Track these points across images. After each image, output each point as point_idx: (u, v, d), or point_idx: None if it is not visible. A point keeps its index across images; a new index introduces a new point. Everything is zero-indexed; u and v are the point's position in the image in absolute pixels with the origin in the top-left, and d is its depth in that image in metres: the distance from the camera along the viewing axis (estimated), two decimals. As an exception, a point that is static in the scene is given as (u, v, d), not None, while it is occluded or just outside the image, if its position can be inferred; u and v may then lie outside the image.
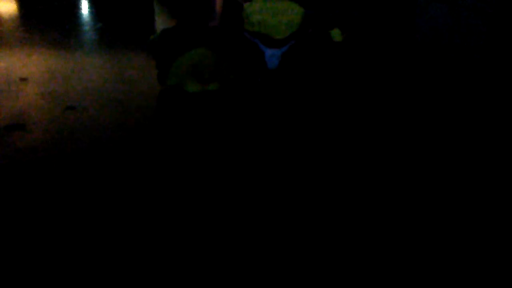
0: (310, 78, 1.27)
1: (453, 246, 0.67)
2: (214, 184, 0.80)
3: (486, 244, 0.68)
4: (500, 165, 0.91)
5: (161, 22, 1.96)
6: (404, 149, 0.96)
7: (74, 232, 0.65)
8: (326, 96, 1.22)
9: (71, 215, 0.69)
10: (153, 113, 1.07)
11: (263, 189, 0.79)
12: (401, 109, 1.17)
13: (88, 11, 2.06)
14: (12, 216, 0.69)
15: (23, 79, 1.21)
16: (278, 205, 0.75)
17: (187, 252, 0.62)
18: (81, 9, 2.11)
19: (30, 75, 1.25)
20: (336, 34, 1.23)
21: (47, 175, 0.80)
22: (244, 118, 1.08)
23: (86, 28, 1.78)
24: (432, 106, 1.19)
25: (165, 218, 0.70)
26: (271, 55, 1.20)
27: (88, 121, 1.01)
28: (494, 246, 0.67)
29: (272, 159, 0.89)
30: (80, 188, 0.76)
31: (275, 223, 0.70)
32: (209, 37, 1.16)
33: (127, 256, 0.61)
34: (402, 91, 1.28)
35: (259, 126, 1.04)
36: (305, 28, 1.23)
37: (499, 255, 0.66)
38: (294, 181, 0.82)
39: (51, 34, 1.64)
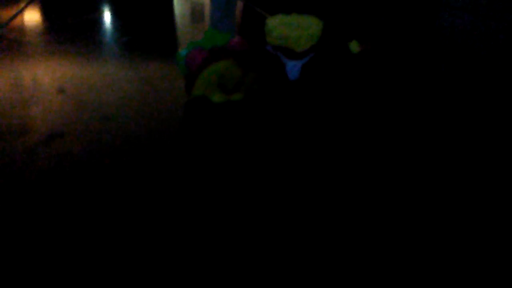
0: (328, 88, 1.33)
1: (453, 246, 0.71)
2: (234, 190, 0.85)
3: (486, 244, 0.71)
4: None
5: (184, 34, 2.04)
6: (422, 161, 1.00)
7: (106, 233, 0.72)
8: (344, 104, 1.27)
9: (107, 218, 0.76)
10: (181, 122, 1.14)
11: (282, 195, 0.84)
12: (420, 120, 1.21)
13: (116, 25, 2.16)
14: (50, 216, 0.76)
15: (60, 90, 1.30)
16: (291, 210, 0.80)
17: (196, 252, 0.68)
18: (109, 23, 2.20)
19: (66, 86, 1.33)
20: (354, 46, 1.28)
21: (85, 179, 0.87)
22: (267, 126, 1.13)
23: (115, 40, 1.87)
24: (450, 120, 1.23)
25: (183, 222, 0.76)
26: (292, 67, 1.26)
27: (122, 131, 1.08)
28: (494, 246, 0.71)
29: (291, 166, 0.95)
30: (116, 191, 0.83)
31: (285, 227, 0.75)
32: (234, 50, 1.23)
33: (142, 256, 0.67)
34: (421, 102, 1.32)
35: (280, 133, 1.09)
36: (324, 41, 1.28)
37: (499, 255, 0.69)
38: (313, 190, 0.87)
39: (82, 47, 1.74)
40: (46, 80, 1.38)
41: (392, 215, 0.79)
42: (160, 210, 0.79)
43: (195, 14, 2.43)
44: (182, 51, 1.25)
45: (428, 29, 2.03)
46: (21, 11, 2.45)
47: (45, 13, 2.41)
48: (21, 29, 2.02)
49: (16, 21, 2.17)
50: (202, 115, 1.19)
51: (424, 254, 0.69)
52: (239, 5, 2.25)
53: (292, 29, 1.24)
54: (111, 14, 2.37)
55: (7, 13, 2.34)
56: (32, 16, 2.34)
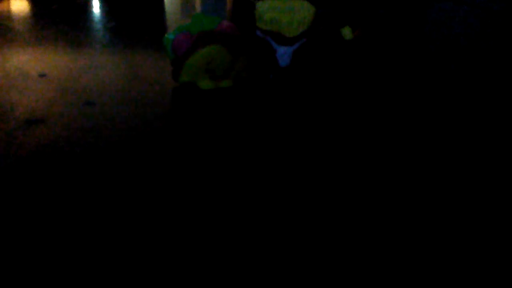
0: (320, 75, 1.30)
1: (453, 246, 0.69)
2: (223, 181, 0.82)
3: (486, 244, 0.69)
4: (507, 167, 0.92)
5: (173, 21, 1.99)
6: (412, 148, 0.98)
7: (83, 226, 0.68)
8: (335, 92, 1.24)
9: (85, 208, 0.72)
10: (168, 109, 1.10)
11: (272, 187, 0.81)
12: (410, 107, 1.18)
13: (102, 10, 2.10)
14: (29, 207, 0.72)
15: (42, 75, 1.25)
16: (283, 204, 0.77)
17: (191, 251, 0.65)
18: (95, 8, 2.14)
19: (48, 71, 1.28)
20: (346, 32, 1.25)
21: (67, 166, 0.83)
22: (256, 114, 1.10)
23: (101, 26, 1.81)
24: (441, 104, 1.21)
25: (173, 215, 0.73)
26: (283, 52, 1.23)
27: (106, 116, 1.04)
28: (494, 246, 0.69)
29: (282, 155, 0.92)
30: (97, 181, 0.79)
31: (278, 222, 0.72)
32: (223, 35, 1.19)
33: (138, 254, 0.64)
34: (411, 89, 1.30)
35: (270, 122, 1.06)
36: (316, 26, 1.25)
37: (499, 255, 0.67)
38: (303, 180, 0.84)
39: (67, 32, 1.68)
40: (28, 65, 1.33)
41: (389, 209, 0.77)
42: (145, 198, 0.75)
43: (185, 0, 2.37)
44: (169, 35, 1.20)
45: (420, 18, 2.01)
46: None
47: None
48: (5, 14, 1.96)
49: (1, 8, 2.10)
50: (190, 102, 1.16)
51: (424, 254, 0.67)
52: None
53: (283, 13, 1.20)
54: (99, 3, 2.30)
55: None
56: (16, 1, 2.27)
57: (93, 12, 2.05)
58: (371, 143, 0.98)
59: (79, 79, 1.25)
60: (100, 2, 2.25)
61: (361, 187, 0.81)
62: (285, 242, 0.67)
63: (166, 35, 1.21)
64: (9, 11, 2.05)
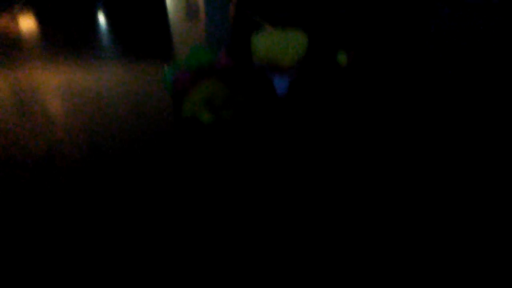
0: (318, 104, 1.31)
1: (453, 246, 0.71)
2: (229, 207, 0.85)
3: (486, 244, 0.71)
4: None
5: (178, 33, 2.02)
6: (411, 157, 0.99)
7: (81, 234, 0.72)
8: (334, 120, 1.26)
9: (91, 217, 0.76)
10: (171, 144, 1.14)
11: (275, 214, 0.83)
12: (410, 136, 1.19)
13: (107, 27, 2.14)
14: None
15: (56, 97, 1.30)
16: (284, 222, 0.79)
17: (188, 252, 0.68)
18: (100, 24, 2.18)
19: (53, 95, 1.33)
20: (341, 58, 1.27)
21: (76, 183, 0.87)
22: (257, 143, 1.13)
23: (106, 43, 1.85)
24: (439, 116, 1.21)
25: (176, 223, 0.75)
26: (280, 83, 1.25)
27: (112, 135, 1.08)
28: (494, 246, 0.71)
29: (281, 182, 0.94)
30: (105, 199, 0.83)
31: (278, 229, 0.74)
32: (220, 70, 1.22)
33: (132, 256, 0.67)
34: (410, 114, 1.31)
35: (270, 150, 1.09)
36: (311, 55, 1.27)
37: (499, 255, 0.69)
38: (300, 206, 0.86)
39: (72, 52, 1.72)
40: (33, 89, 1.37)
41: (391, 216, 0.78)
42: (144, 211, 0.78)
43: (190, 10, 2.40)
44: (168, 70, 1.24)
45: (422, 32, 2.00)
46: (14, 16, 2.43)
47: (37, 16, 2.39)
48: (10, 35, 2.01)
49: (9, 26, 2.16)
50: (193, 137, 1.19)
51: (424, 254, 0.68)
52: (231, 10, 2.22)
53: (278, 44, 1.23)
54: (104, 16, 2.34)
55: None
56: (24, 21, 2.32)
57: (99, 29, 2.09)
58: (374, 171, 0.99)
59: (85, 93, 1.29)
60: (106, 18, 2.29)
61: (359, 193, 0.82)
62: (285, 244, 0.68)
63: (165, 69, 1.25)
64: (16, 30, 2.10)
